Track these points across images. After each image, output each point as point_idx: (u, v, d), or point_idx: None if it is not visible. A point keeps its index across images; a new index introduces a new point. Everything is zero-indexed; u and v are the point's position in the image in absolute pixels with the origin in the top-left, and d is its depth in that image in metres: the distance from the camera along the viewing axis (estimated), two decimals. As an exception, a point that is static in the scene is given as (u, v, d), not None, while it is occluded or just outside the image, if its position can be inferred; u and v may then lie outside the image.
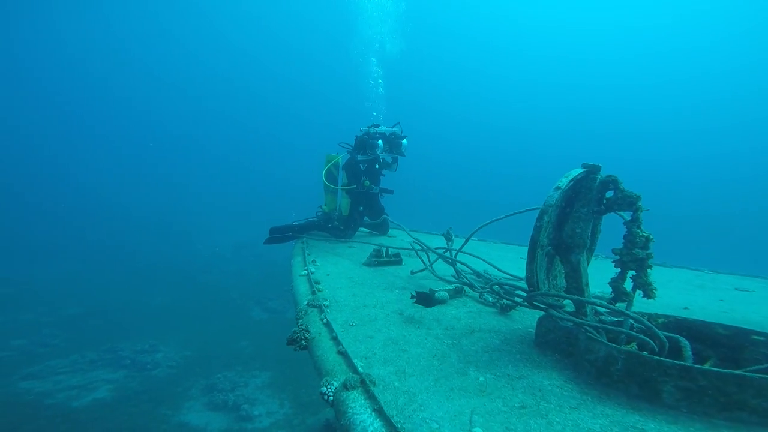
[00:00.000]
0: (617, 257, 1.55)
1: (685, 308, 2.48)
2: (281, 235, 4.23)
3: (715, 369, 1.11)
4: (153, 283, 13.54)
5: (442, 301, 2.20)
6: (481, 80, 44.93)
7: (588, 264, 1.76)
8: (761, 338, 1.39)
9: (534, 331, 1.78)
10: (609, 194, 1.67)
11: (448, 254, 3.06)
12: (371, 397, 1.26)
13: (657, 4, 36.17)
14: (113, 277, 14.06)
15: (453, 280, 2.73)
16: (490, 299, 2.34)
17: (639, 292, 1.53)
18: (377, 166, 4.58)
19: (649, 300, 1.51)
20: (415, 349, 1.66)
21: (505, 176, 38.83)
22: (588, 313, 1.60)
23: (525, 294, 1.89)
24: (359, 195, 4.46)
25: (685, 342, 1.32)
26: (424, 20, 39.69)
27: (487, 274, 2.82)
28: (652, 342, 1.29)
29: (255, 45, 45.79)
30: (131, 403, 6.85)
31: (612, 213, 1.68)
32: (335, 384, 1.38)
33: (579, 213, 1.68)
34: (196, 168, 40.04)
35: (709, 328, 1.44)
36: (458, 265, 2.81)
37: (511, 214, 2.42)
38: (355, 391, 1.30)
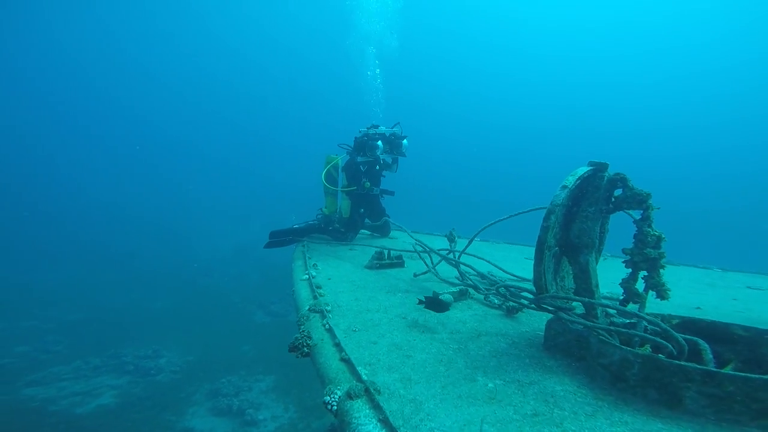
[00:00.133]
0: (628, 257, 1.50)
1: (698, 308, 2.42)
2: (281, 239, 4.19)
3: (744, 374, 1.05)
4: (154, 287, 13.53)
5: (449, 304, 2.15)
6: (482, 79, 44.88)
7: (596, 264, 1.71)
8: (782, 340, 1.34)
9: (542, 333, 1.73)
10: (617, 192, 1.62)
11: (451, 256, 3.01)
12: (376, 406, 1.22)
13: (658, 1, 36.09)
14: (114, 281, 14.04)
15: (457, 282, 2.68)
16: (496, 301, 2.29)
17: (651, 293, 1.48)
18: (377, 167, 4.53)
19: (660, 300, 1.46)
20: (420, 354, 1.61)
21: (507, 175, 38.71)
22: (599, 315, 1.55)
23: (532, 296, 1.84)
24: (360, 197, 4.42)
25: (704, 345, 1.26)
26: (422, 18, 39.72)
27: (492, 275, 2.77)
28: (669, 345, 1.24)
29: (253, 46, 45.93)
30: (135, 409, 6.82)
31: (621, 212, 1.63)
32: (339, 393, 1.33)
33: (587, 212, 1.63)
34: (195, 171, 40.10)
35: (729, 330, 1.38)
36: (462, 266, 2.77)
37: (516, 214, 2.37)
38: (359, 400, 1.26)
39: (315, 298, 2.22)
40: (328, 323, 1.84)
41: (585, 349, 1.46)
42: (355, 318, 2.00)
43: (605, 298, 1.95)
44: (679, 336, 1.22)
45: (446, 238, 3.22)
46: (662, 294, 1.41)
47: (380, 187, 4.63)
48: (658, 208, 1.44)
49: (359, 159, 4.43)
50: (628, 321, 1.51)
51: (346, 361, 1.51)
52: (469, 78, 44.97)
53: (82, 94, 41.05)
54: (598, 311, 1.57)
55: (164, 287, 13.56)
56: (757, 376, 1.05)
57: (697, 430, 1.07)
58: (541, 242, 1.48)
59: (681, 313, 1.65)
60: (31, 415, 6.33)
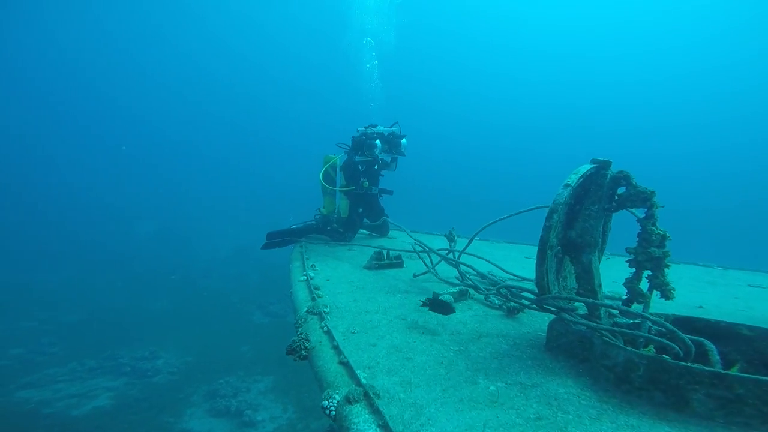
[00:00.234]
0: (631, 256, 1.47)
1: (700, 307, 2.40)
2: (279, 239, 4.14)
3: (756, 376, 1.02)
4: (152, 288, 13.44)
5: (453, 307, 2.09)
6: (481, 77, 44.83)
7: (599, 263, 1.68)
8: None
9: (544, 334, 1.70)
10: (620, 190, 1.59)
11: (450, 256, 2.98)
12: (375, 411, 1.18)
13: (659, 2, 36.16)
14: (112, 282, 13.96)
15: (457, 282, 2.65)
16: (496, 301, 2.26)
17: (655, 293, 1.45)
18: (376, 166, 4.50)
19: (665, 300, 1.44)
20: (420, 357, 1.58)
21: (507, 174, 38.72)
22: (602, 315, 1.52)
23: (533, 296, 1.81)
24: (358, 196, 4.38)
25: (710, 345, 1.24)
26: (420, 15, 39.63)
27: (492, 275, 2.74)
28: (676, 346, 1.21)
29: (251, 46, 45.72)
30: (132, 411, 6.76)
31: (623, 210, 1.61)
32: (337, 397, 1.30)
33: (589, 211, 1.60)
34: (193, 171, 39.94)
35: (734, 330, 1.36)
36: (462, 266, 2.74)
37: (516, 213, 2.34)
38: (358, 405, 1.23)
39: (313, 299, 2.18)
40: (326, 325, 1.81)
41: (588, 350, 1.43)
42: (354, 320, 1.97)
43: (607, 297, 1.92)
44: (686, 337, 1.19)
45: (446, 238, 3.19)
46: (667, 294, 1.39)
47: (379, 187, 4.60)
48: (663, 206, 1.42)
49: (357, 158, 4.39)
50: (631, 321, 1.49)
51: (345, 364, 1.48)
52: (467, 76, 44.97)
53: (82, 94, 40.86)
54: (601, 311, 1.54)
55: (163, 288, 13.48)
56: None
57: None
58: (543, 242, 1.45)
59: (683, 312, 1.62)
60: (25, 418, 6.26)
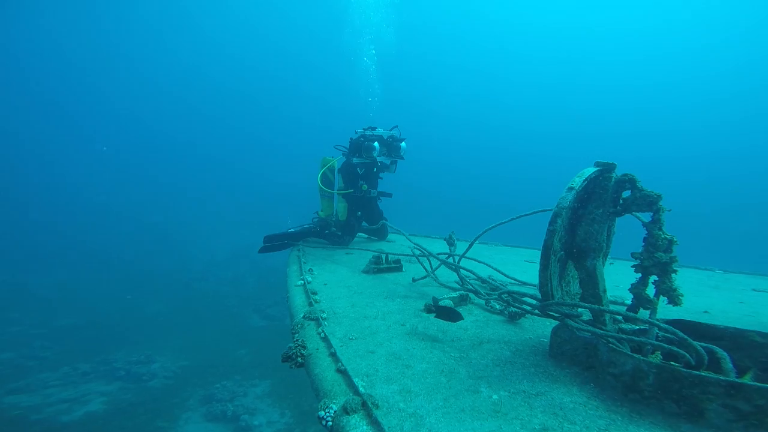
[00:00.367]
0: (637, 261, 1.43)
1: (706, 312, 2.36)
2: (276, 243, 4.09)
3: None
4: (147, 290, 13.32)
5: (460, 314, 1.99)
6: (481, 80, 45.00)
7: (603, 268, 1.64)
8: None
9: (547, 340, 1.66)
10: (625, 194, 1.56)
11: (450, 260, 2.94)
12: (374, 422, 1.14)
13: (659, 4, 36.46)
14: (106, 285, 13.81)
15: (457, 286, 2.61)
16: (498, 306, 2.22)
17: (662, 299, 1.42)
18: (375, 169, 4.46)
19: (673, 306, 1.40)
20: (420, 364, 1.53)
21: (506, 178, 38.77)
22: (607, 321, 1.48)
23: (535, 301, 1.77)
24: (357, 199, 4.34)
25: (723, 353, 1.19)
26: (420, 18, 39.84)
27: (492, 279, 2.70)
28: (687, 354, 1.17)
29: (248, 47, 45.73)
30: (126, 416, 6.65)
31: (628, 214, 1.57)
32: (334, 407, 1.25)
33: (593, 215, 1.57)
34: (190, 173, 39.76)
35: (745, 337, 1.32)
36: (462, 270, 2.69)
37: (518, 217, 2.31)
38: (356, 416, 1.18)
39: (310, 304, 2.13)
40: (323, 331, 1.76)
41: (593, 357, 1.39)
42: (352, 325, 1.92)
43: (610, 302, 1.88)
44: (697, 344, 1.15)
45: (445, 242, 3.15)
46: (675, 299, 1.35)
47: (378, 190, 4.56)
48: (669, 210, 1.38)
49: (355, 160, 4.35)
50: (637, 328, 1.45)
51: (343, 372, 1.43)
52: (468, 79, 45.17)
53: (78, 96, 40.71)
54: (606, 317, 1.50)
55: (158, 290, 13.35)
56: None
57: None
58: (547, 246, 1.41)
59: (688, 317, 1.58)
60: (11, 424, 6.10)
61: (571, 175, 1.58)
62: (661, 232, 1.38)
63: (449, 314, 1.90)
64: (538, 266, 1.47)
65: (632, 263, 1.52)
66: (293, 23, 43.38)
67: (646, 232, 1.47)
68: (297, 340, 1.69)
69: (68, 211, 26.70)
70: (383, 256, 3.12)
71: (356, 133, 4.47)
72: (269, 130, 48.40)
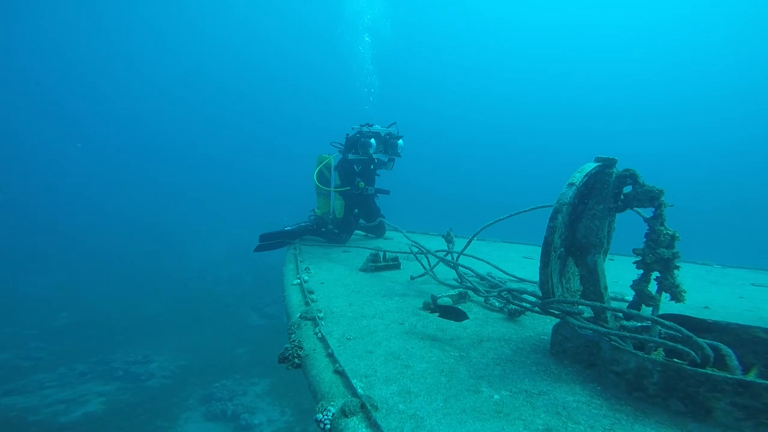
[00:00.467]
0: (639, 258, 1.41)
1: (706, 307, 2.35)
2: (272, 241, 4.04)
3: None
4: (145, 290, 13.24)
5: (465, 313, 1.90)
6: (478, 76, 44.83)
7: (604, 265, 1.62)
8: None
9: (547, 338, 1.64)
10: (626, 189, 1.53)
11: (449, 257, 2.91)
12: (373, 424, 1.11)
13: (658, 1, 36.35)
14: (103, 285, 13.72)
15: (456, 284, 2.59)
16: (497, 304, 2.20)
17: (665, 295, 1.39)
18: (372, 166, 4.41)
19: (675, 303, 1.38)
20: (419, 364, 1.51)
21: (504, 174, 38.79)
22: (609, 318, 1.46)
23: (534, 299, 1.75)
24: (354, 197, 4.30)
25: (727, 350, 1.17)
26: (417, 13, 39.58)
27: (491, 276, 2.68)
28: (692, 352, 1.14)
29: (243, 45, 45.33)
30: (124, 416, 6.61)
31: (629, 210, 1.55)
32: (332, 409, 1.23)
33: (594, 210, 1.54)
34: (187, 171, 39.51)
35: (749, 333, 1.30)
36: (460, 268, 2.67)
37: (516, 213, 2.28)
38: (354, 418, 1.16)
39: (307, 304, 2.10)
40: (320, 331, 1.73)
41: (595, 355, 1.37)
42: (350, 325, 1.89)
43: (610, 299, 1.86)
44: (703, 341, 1.13)
45: (443, 239, 3.12)
46: (677, 296, 1.33)
47: (375, 187, 4.51)
48: (672, 206, 1.36)
49: (351, 157, 4.30)
50: (639, 325, 1.43)
51: (340, 373, 1.40)
52: (465, 75, 45.02)
53: (76, 95, 40.26)
54: (608, 314, 1.48)
55: (156, 290, 13.28)
56: None
57: None
58: (547, 243, 1.38)
59: (689, 313, 1.57)
60: (8, 426, 6.05)
61: (569, 171, 1.55)
62: (663, 228, 1.36)
63: (454, 314, 1.84)
64: (537, 263, 1.44)
65: (633, 259, 1.49)
66: (289, 21, 43.06)
67: (647, 227, 1.44)
68: (293, 341, 1.66)
69: (66, 211, 26.51)
70: (381, 254, 3.09)
71: (353, 129, 4.42)
72: (266, 128, 48.17)
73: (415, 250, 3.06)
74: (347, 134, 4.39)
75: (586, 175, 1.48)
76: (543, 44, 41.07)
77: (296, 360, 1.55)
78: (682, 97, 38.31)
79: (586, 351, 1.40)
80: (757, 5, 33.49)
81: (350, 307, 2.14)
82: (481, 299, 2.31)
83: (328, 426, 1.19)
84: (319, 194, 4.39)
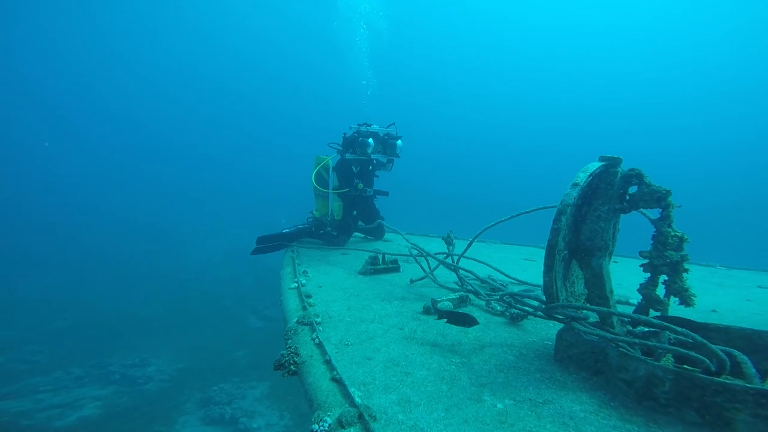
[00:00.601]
0: (646, 261, 1.36)
1: (714, 311, 2.30)
2: (269, 244, 3.98)
3: None
4: (143, 291, 13.15)
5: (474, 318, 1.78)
6: (478, 76, 44.82)
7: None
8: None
9: (551, 343, 1.59)
10: (632, 190, 1.49)
11: (449, 260, 2.86)
12: (372, 436, 1.06)
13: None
14: (101, 286, 13.62)
15: (456, 287, 2.54)
16: (498, 308, 2.15)
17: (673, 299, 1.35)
18: (371, 167, 4.36)
19: (685, 307, 1.33)
20: (419, 371, 1.46)
21: (504, 175, 38.71)
22: (615, 323, 1.41)
23: (537, 303, 1.70)
24: (352, 198, 4.25)
25: (743, 357, 1.12)
26: (414, 13, 39.61)
27: (492, 279, 2.63)
28: (706, 359, 1.09)
29: (240, 45, 45.29)
30: (121, 421, 6.53)
31: (635, 211, 1.50)
32: (329, 420, 1.18)
33: (599, 212, 1.50)
34: (184, 172, 39.42)
35: (762, 338, 1.25)
36: (461, 271, 2.62)
37: (518, 215, 2.24)
38: (352, 429, 1.11)
39: (304, 308, 2.05)
40: (317, 337, 1.68)
41: (602, 362, 1.32)
42: (348, 330, 1.84)
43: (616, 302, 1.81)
44: (717, 348, 1.08)
45: (443, 241, 3.08)
46: (686, 300, 1.28)
47: (374, 188, 4.46)
48: (679, 206, 1.31)
49: (348, 156, 4.25)
50: (647, 330, 1.38)
51: (338, 381, 1.36)
52: (464, 75, 45.00)
53: (73, 96, 40.20)
54: (614, 319, 1.43)
55: (153, 292, 13.19)
56: None
57: None
58: (551, 246, 1.34)
59: (696, 317, 1.52)
60: (-1, 431, 5.99)
61: (569, 171, 1.51)
62: (671, 230, 1.31)
63: (462, 319, 1.74)
64: (538, 265, 1.40)
65: (637, 261, 1.45)
66: (286, 19, 43.04)
67: (654, 229, 1.40)
68: (290, 347, 1.61)
69: (64, 212, 26.41)
70: (380, 257, 3.04)
71: (350, 128, 4.37)
72: (264, 128, 48.12)
73: (415, 252, 3.01)
74: (344, 133, 4.34)
75: (591, 175, 1.44)
76: (544, 42, 41.11)
77: (292, 367, 1.50)
78: (683, 97, 38.40)
79: (592, 357, 1.35)
80: (757, 3, 33.59)
81: (348, 312, 2.09)
82: (482, 303, 2.26)
83: (325, 438, 1.14)
84: (318, 196, 4.34)
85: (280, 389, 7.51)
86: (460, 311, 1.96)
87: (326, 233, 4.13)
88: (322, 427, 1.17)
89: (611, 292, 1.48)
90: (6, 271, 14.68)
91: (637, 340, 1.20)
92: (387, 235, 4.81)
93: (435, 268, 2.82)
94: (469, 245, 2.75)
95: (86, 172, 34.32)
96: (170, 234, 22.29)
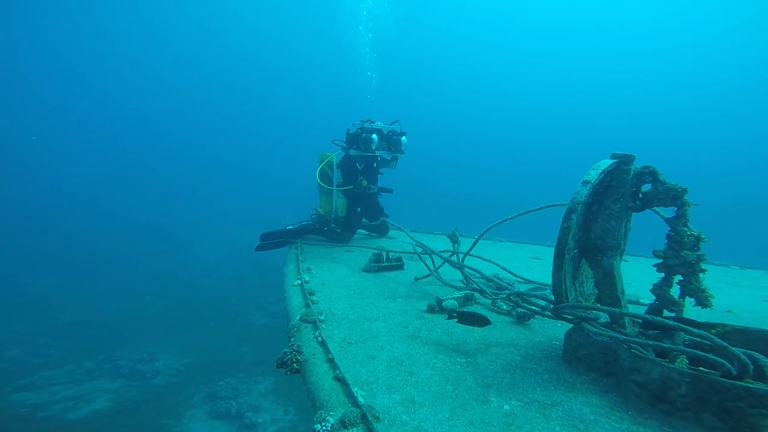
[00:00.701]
0: (660, 260, 1.31)
1: (729, 311, 2.24)
2: (273, 240, 3.98)
3: None
4: (150, 288, 13.34)
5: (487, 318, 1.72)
6: (484, 73, 44.40)
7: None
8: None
9: (559, 344, 1.55)
10: (645, 188, 1.43)
11: (454, 257, 2.82)
12: (375, 437, 1.04)
13: None
14: (109, 283, 13.85)
15: (461, 285, 2.50)
16: (505, 307, 2.11)
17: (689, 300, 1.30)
18: (375, 164, 4.33)
19: (702, 308, 1.28)
20: (424, 370, 1.43)
21: (510, 173, 38.36)
22: (626, 323, 1.36)
23: (545, 302, 1.66)
24: (356, 195, 4.22)
25: (766, 360, 1.07)
26: (418, 11, 39.27)
27: (498, 278, 2.59)
28: (726, 362, 1.04)
29: (244, 43, 45.38)
30: (130, 414, 6.66)
31: (648, 209, 1.45)
32: (331, 420, 1.16)
33: (610, 210, 1.45)
34: (191, 170, 39.76)
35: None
36: (466, 269, 2.58)
37: (525, 213, 2.19)
38: (355, 430, 1.09)
39: (307, 306, 2.03)
40: (320, 335, 1.66)
41: (613, 363, 1.28)
42: (351, 328, 1.82)
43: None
44: (738, 351, 1.03)
45: (449, 239, 3.04)
46: (703, 301, 1.23)
47: (378, 185, 4.43)
48: (696, 204, 1.26)
49: (352, 152, 4.22)
50: (659, 331, 1.33)
51: (341, 380, 1.34)
52: (470, 72, 44.61)
53: (78, 94, 40.71)
54: (625, 319, 1.39)
55: (161, 288, 13.37)
56: None
57: None
58: (561, 245, 1.29)
59: (711, 318, 1.47)
60: (18, 423, 6.13)
61: (577, 169, 1.47)
62: (686, 229, 1.26)
63: (474, 319, 1.69)
64: (545, 263, 1.36)
65: (648, 260, 1.40)
66: (291, 18, 43.00)
67: (668, 228, 1.34)
68: (293, 345, 1.59)
69: (72, 210, 26.83)
70: (384, 254, 3.02)
71: (354, 125, 4.34)
72: (269, 126, 48.34)
73: (419, 250, 2.97)
74: (348, 130, 4.31)
75: (602, 172, 1.39)
76: (548, 39, 40.53)
77: (295, 365, 1.49)
78: (684, 96, 37.59)
79: (603, 358, 1.31)
80: (757, 4, 32.67)
81: (352, 310, 2.07)
82: (488, 302, 2.22)
83: (327, 439, 1.12)
84: (322, 193, 4.32)
85: (285, 385, 7.57)
86: (467, 310, 1.92)
87: (330, 230, 4.12)
88: (324, 427, 1.15)
89: (623, 292, 1.43)
90: (16, 268, 15.01)
91: (651, 342, 1.15)
92: (391, 233, 4.79)
93: (440, 266, 2.79)
94: (475, 243, 2.71)
95: (97, 172, 34.84)
96: (177, 233, 22.54)
